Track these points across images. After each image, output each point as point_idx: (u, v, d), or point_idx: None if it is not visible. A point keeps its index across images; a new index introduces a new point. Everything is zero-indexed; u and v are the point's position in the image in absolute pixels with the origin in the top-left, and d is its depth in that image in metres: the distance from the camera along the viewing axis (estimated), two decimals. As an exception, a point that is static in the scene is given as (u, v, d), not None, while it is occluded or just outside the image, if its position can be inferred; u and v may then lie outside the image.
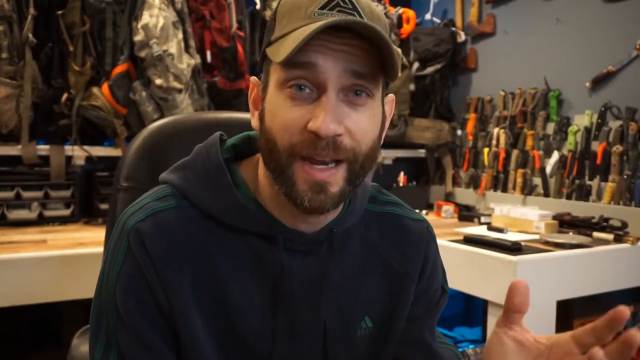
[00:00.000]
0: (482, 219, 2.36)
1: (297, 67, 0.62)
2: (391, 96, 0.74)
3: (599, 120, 2.22)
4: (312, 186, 0.63)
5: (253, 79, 0.73)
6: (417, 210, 0.86)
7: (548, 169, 2.38)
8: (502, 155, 2.60)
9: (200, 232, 0.69)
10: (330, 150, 0.62)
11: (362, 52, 0.62)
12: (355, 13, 0.63)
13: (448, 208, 2.59)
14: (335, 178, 0.64)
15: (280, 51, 0.62)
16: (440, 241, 0.87)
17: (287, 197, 0.65)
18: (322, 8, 0.62)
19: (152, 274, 0.66)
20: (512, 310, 0.63)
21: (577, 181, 2.26)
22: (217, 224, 0.70)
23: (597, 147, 2.20)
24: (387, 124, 0.74)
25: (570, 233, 1.99)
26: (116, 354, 0.67)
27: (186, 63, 2.16)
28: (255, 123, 0.72)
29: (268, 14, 2.46)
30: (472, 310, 2.83)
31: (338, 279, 0.74)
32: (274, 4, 2.46)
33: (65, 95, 2.07)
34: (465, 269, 1.71)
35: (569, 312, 1.97)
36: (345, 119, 0.63)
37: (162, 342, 0.67)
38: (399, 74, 2.70)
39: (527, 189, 2.46)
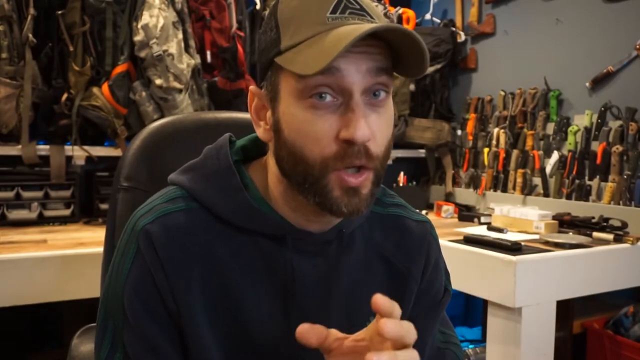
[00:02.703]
0: (482, 219, 2.36)
1: (318, 73, 0.59)
2: None
3: (599, 121, 2.22)
4: (347, 191, 0.64)
5: (253, 88, 0.71)
6: (417, 211, 0.87)
7: (548, 169, 2.38)
8: (502, 155, 2.60)
9: (209, 234, 0.69)
10: (362, 157, 0.62)
11: (379, 49, 0.62)
12: (365, 13, 0.63)
13: (448, 208, 2.59)
14: (367, 182, 0.65)
15: (305, 62, 0.60)
16: (440, 241, 0.88)
17: (319, 206, 0.65)
18: (333, 12, 0.61)
19: (160, 276, 0.66)
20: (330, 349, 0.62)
21: (577, 181, 2.26)
22: (226, 225, 0.70)
23: (597, 147, 2.20)
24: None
25: (570, 233, 1.99)
26: (122, 354, 0.67)
27: (186, 63, 2.16)
28: (264, 135, 0.70)
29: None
30: (472, 310, 2.83)
31: (345, 280, 0.74)
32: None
33: (65, 95, 2.07)
34: (465, 269, 1.71)
35: (569, 312, 1.97)
36: (370, 123, 0.62)
37: (169, 345, 0.67)
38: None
39: (527, 189, 2.46)
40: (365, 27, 0.59)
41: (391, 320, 0.56)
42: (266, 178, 0.72)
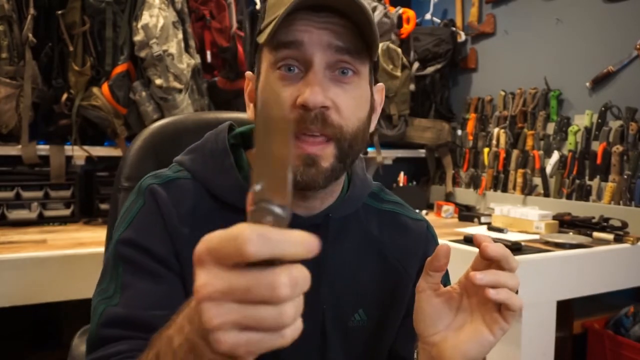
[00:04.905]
0: (482, 219, 2.36)
1: (285, 47, 0.66)
2: (380, 85, 0.76)
3: (599, 120, 2.22)
4: (304, 160, 0.66)
5: (248, 73, 0.76)
6: (417, 210, 0.87)
7: (548, 169, 2.38)
8: (502, 155, 2.60)
9: (206, 207, 0.72)
10: (318, 124, 0.65)
11: (344, 29, 0.66)
12: None
13: (448, 208, 2.59)
14: (325, 152, 0.67)
15: (265, 33, 0.66)
16: (440, 241, 0.88)
17: None
18: None
19: (161, 226, 0.69)
20: (436, 270, 0.66)
21: (577, 181, 2.26)
22: (221, 204, 0.73)
23: (597, 147, 2.20)
24: (379, 111, 0.76)
25: (571, 233, 1.99)
26: (120, 290, 0.67)
27: (186, 63, 2.16)
28: (251, 114, 0.75)
29: (268, 14, 2.46)
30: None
31: (333, 267, 0.75)
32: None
33: (65, 95, 2.07)
34: (465, 269, 1.71)
35: (569, 312, 1.97)
36: (331, 94, 0.66)
37: (170, 275, 0.68)
38: (398, 72, 2.70)
39: (527, 189, 2.46)
40: None
41: (494, 243, 0.62)
42: None
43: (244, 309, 0.38)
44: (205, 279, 0.38)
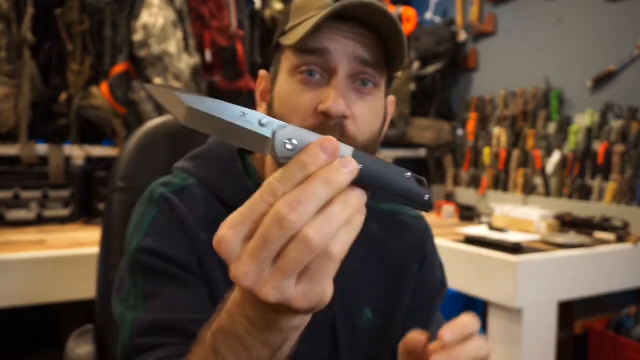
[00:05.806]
0: (483, 219, 2.35)
1: (310, 53, 0.66)
2: (392, 97, 0.77)
3: (601, 120, 2.21)
4: None
5: (262, 72, 0.76)
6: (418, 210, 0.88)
7: (549, 169, 2.37)
8: (503, 154, 2.59)
9: (216, 213, 0.72)
10: (337, 133, 0.65)
11: (371, 41, 0.66)
12: None
13: (449, 208, 2.58)
14: None
15: (293, 36, 0.66)
16: (441, 241, 0.89)
17: None
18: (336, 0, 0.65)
19: (180, 232, 0.69)
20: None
21: (578, 181, 2.25)
22: (229, 210, 0.71)
23: (599, 146, 2.19)
24: (388, 122, 0.76)
25: (572, 233, 1.98)
26: (144, 301, 0.67)
27: (185, 62, 2.16)
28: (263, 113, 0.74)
29: (268, 13, 2.45)
30: (472, 311, 2.83)
31: (341, 267, 0.74)
32: (274, 4, 2.45)
33: (64, 95, 2.06)
34: (465, 270, 1.70)
35: (571, 313, 1.96)
36: (351, 104, 0.66)
37: (192, 279, 0.68)
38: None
39: (528, 189, 2.45)
40: (342, 4, 0.62)
41: (449, 330, 0.60)
42: (265, 164, 0.75)
43: (277, 263, 0.41)
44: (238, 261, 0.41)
